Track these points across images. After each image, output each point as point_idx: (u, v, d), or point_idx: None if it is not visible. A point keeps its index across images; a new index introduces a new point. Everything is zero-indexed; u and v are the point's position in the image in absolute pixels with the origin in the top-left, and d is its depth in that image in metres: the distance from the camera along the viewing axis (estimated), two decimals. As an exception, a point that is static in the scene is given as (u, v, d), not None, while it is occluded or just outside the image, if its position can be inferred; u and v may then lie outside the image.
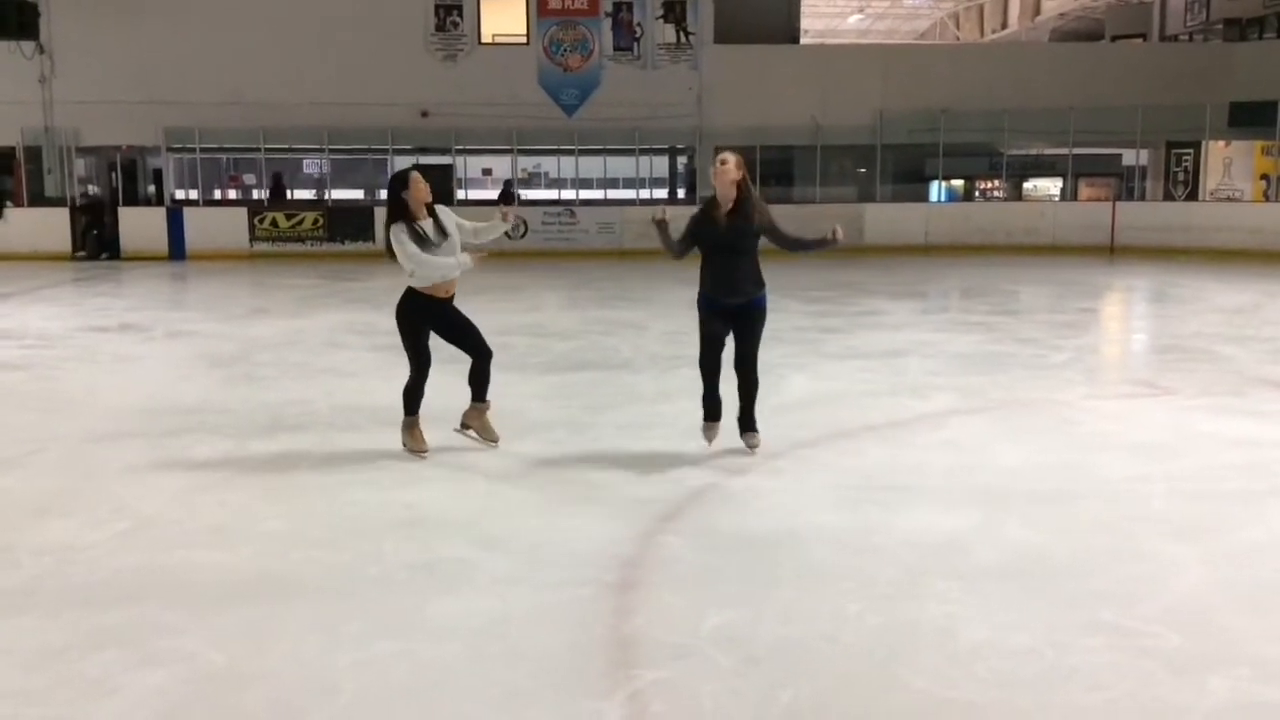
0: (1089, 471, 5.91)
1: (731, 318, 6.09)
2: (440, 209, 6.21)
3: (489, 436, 6.40)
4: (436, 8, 22.26)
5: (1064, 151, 23.41)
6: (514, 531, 4.94)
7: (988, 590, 4.23)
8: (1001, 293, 15.23)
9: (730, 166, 5.89)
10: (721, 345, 6.20)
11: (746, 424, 6.30)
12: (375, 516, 5.15)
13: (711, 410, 6.30)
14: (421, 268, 6.00)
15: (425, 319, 6.18)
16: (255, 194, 27.65)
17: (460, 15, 22.32)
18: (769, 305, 6.20)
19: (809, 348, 9.97)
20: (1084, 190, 25.54)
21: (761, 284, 6.07)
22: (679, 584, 4.34)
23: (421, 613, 4.04)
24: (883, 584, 4.31)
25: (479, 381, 6.32)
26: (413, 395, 6.27)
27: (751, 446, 6.24)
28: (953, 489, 5.56)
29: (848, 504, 5.32)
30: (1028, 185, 26.25)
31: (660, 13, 22.58)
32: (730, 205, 5.94)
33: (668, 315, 12.34)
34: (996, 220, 22.52)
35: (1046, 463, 6.09)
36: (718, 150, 6.49)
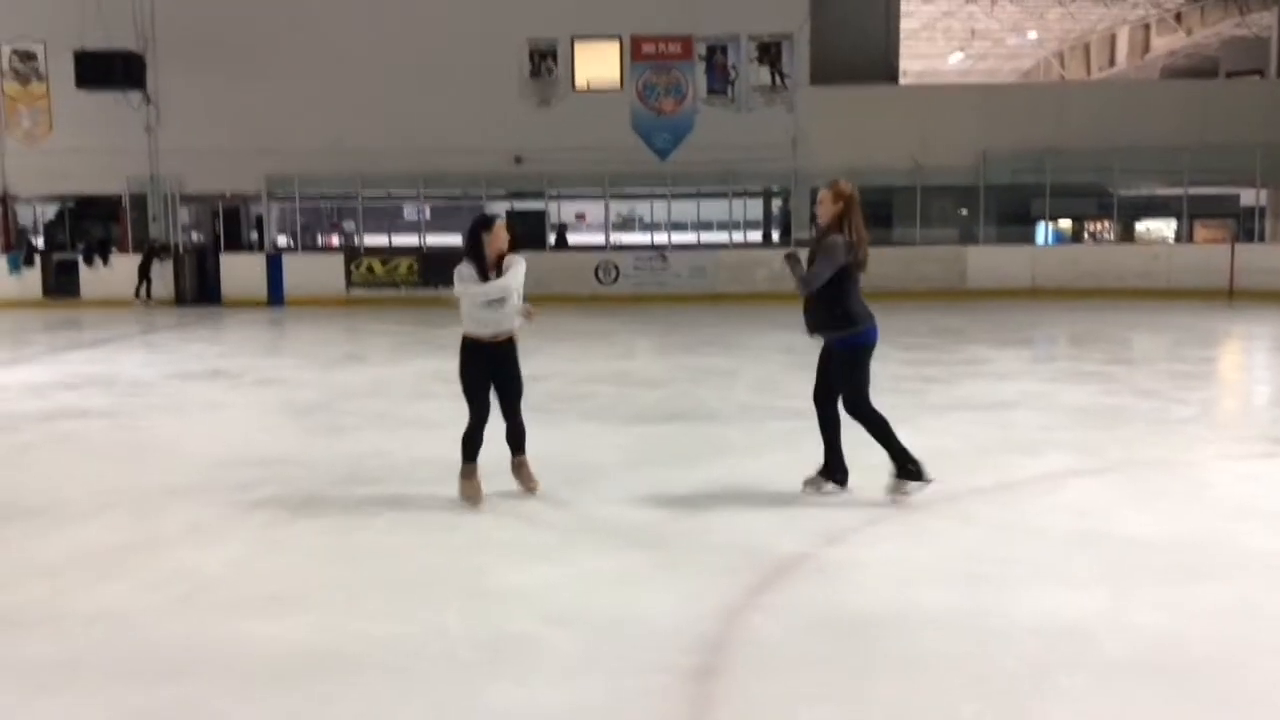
0: (1228, 543, 5.31)
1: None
2: (512, 259, 6.15)
3: (527, 485, 6.37)
4: (531, 54, 22.33)
5: (1178, 192, 22.42)
6: (587, 605, 4.55)
7: (1122, 687, 3.71)
8: (1115, 340, 14.46)
9: (825, 204, 5.93)
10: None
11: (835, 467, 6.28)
12: (443, 584, 4.81)
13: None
14: (468, 303, 6.03)
15: (477, 364, 6.13)
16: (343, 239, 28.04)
17: (554, 62, 22.35)
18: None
19: (909, 398, 9.41)
20: (1200, 232, 24.48)
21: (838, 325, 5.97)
22: (767, 671, 3.90)
23: (482, 699, 3.67)
24: (1001, 677, 3.81)
25: (511, 439, 6.38)
26: (469, 442, 6.18)
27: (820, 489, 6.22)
28: (1074, 563, 5.02)
29: (958, 580, 4.82)
30: (1140, 227, 25.27)
31: (755, 55, 22.32)
32: None
33: (759, 361, 11.91)
34: (1107, 263, 21.62)
35: (1179, 533, 5.49)
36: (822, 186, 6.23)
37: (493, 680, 3.82)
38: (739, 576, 4.85)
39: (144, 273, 21.41)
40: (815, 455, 6.41)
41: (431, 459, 7.26)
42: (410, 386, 10.55)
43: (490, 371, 6.14)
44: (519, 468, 6.42)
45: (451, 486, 6.33)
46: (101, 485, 6.68)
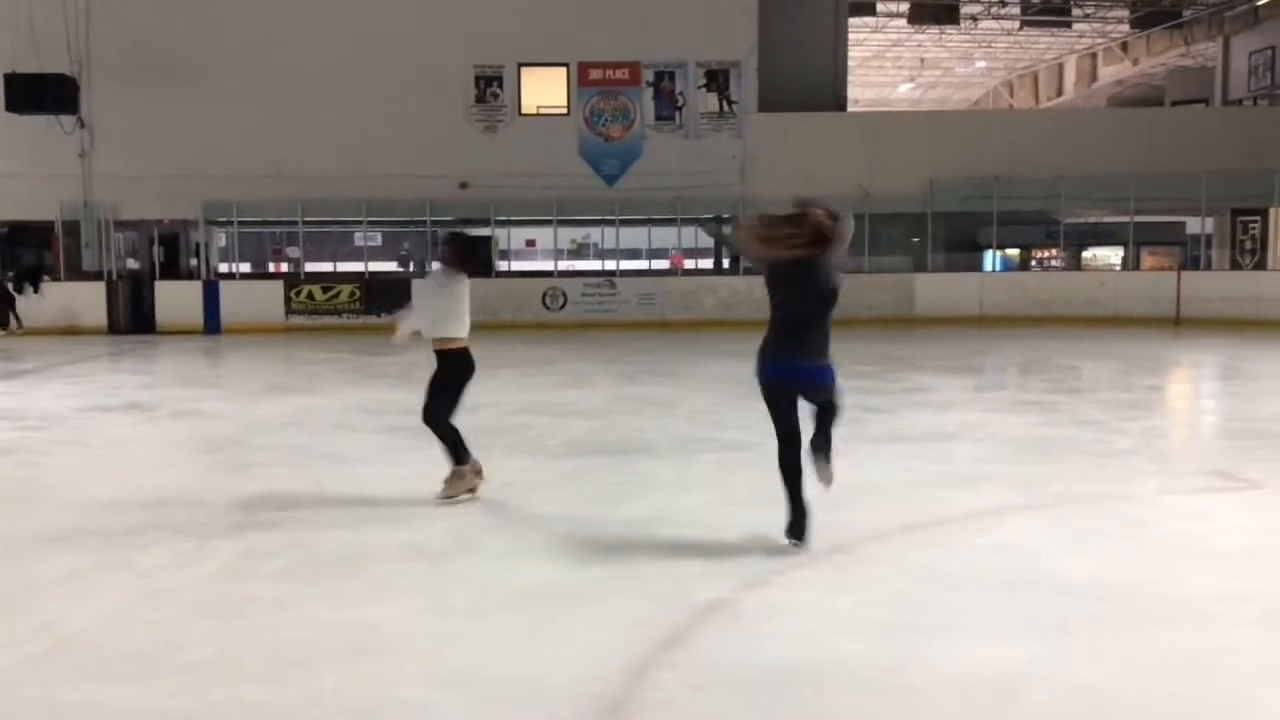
0: (1167, 587, 5.05)
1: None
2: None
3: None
4: (477, 79, 22.07)
5: (1125, 219, 22.49)
6: (482, 663, 4.19)
7: (1048, 754, 3.41)
8: (1060, 368, 14.31)
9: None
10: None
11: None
12: (326, 641, 4.43)
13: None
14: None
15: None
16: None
17: (500, 86, 22.10)
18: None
19: (848, 430, 9.03)
20: (1146, 259, 24.59)
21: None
22: (666, 738, 3.57)
23: (346, 777, 3.31)
24: (917, 742, 3.50)
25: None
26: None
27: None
28: (1004, 610, 4.73)
29: (879, 628, 4.51)
30: (1087, 254, 25.36)
31: (703, 82, 22.19)
32: None
33: (700, 391, 11.61)
34: (1055, 291, 21.62)
35: (1115, 577, 5.21)
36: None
37: (360, 754, 3.45)
38: (650, 629, 4.51)
39: (9, 301, 20.74)
40: (740, 493, 6.12)
41: (342, 498, 6.91)
42: (332, 418, 10.13)
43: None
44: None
45: (358, 530, 6.01)
46: (-19, 530, 6.23)
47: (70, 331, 20.53)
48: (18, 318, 20.69)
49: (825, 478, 5.69)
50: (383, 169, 21.22)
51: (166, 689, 3.97)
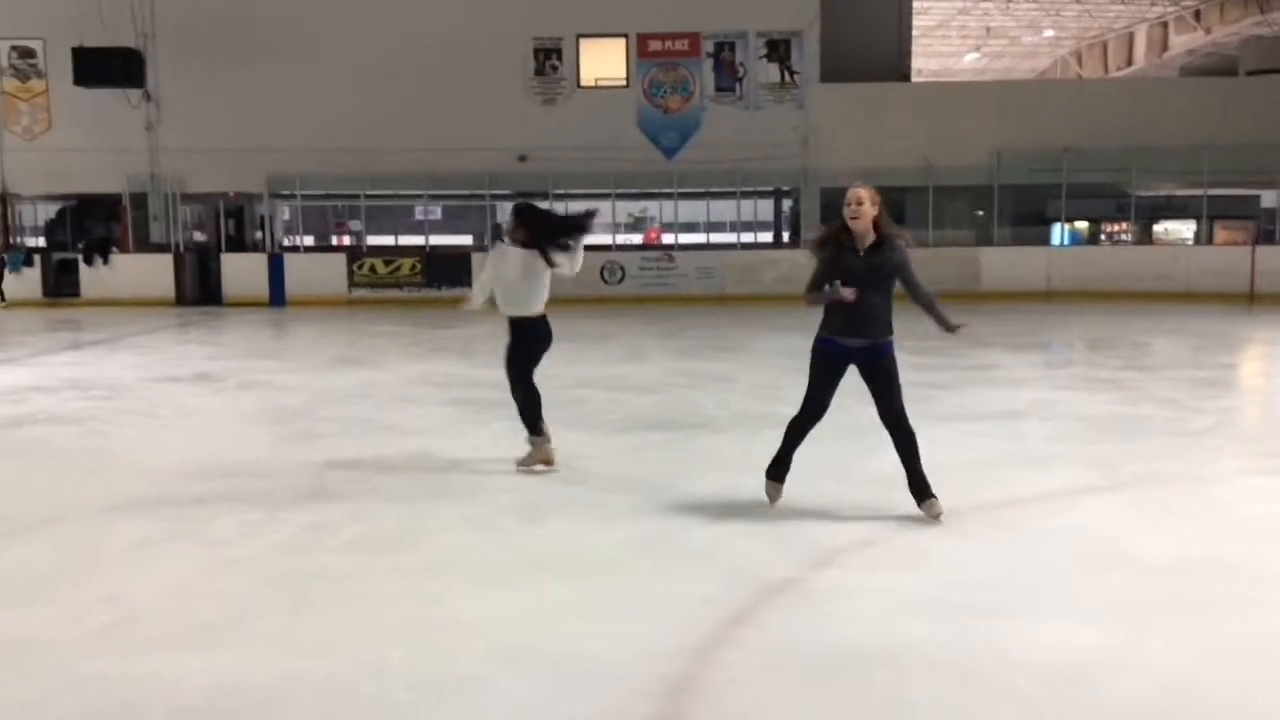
0: (1250, 571, 4.87)
1: (850, 365, 5.62)
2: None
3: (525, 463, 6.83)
4: (536, 52, 21.98)
5: (1198, 192, 21.88)
6: (545, 639, 4.14)
7: (1131, 744, 3.29)
8: (1132, 345, 13.97)
9: (866, 206, 5.43)
10: (824, 408, 5.72)
11: (920, 489, 5.63)
12: (391, 614, 4.41)
13: (780, 472, 5.91)
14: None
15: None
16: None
17: (560, 59, 22.00)
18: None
19: (914, 407, 8.87)
20: (1220, 234, 23.89)
21: (890, 329, 5.60)
22: (734, 718, 3.49)
23: (411, 753, 3.28)
24: (992, 729, 3.40)
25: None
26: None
27: (934, 515, 5.57)
28: (1081, 594, 4.59)
29: (953, 611, 4.40)
30: (1158, 228, 24.69)
31: (763, 52, 21.91)
32: (870, 242, 5.49)
33: (761, 365, 11.49)
34: (1125, 265, 21.12)
35: (1197, 558, 5.05)
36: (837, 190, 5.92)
37: (426, 730, 3.43)
38: (716, 608, 4.44)
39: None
40: (807, 469, 6.03)
41: (407, 470, 6.92)
42: (396, 391, 10.16)
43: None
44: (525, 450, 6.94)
45: (420, 503, 6.02)
46: (52, 499, 6.31)
47: (137, 303, 20.88)
48: (1, 292, 21.07)
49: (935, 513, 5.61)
50: (443, 142, 21.28)
51: (232, 660, 3.97)
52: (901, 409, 5.63)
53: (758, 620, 4.36)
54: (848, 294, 5.36)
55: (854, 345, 5.55)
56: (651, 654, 3.96)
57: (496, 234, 21.21)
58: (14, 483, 6.80)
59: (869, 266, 5.45)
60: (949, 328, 5.74)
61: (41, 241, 23.46)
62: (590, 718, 3.48)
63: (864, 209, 5.41)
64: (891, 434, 5.64)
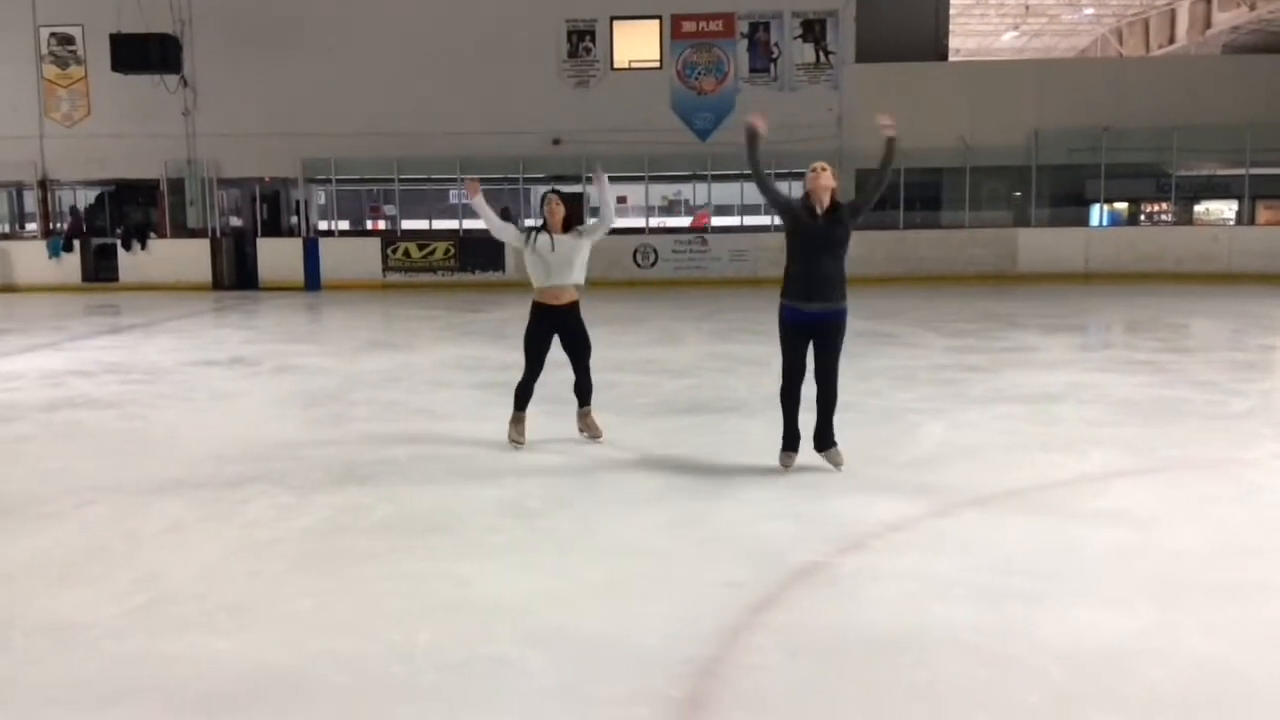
0: (1288, 557, 4.80)
1: (811, 332, 6.15)
2: (580, 229, 7.03)
3: (593, 434, 7.15)
4: (569, 34, 21.92)
5: (1240, 172, 21.50)
6: (571, 622, 4.15)
7: (1163, 731, 3.26)
8: (1171, 327, 13.79)
9: (828, 174, 6.18)
10: (802, 369, 6.26)
11: (826, 440, 6.27)
12: (420, 596, 4.44)
13: (792, 441, 6.37)
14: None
15: (540, 325, 6.91)
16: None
17: (593, 41, 21.92)
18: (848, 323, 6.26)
19: (947, 389, 8.90)
20: (1263, 213, 23.46)
21: (844, 296, 6.15)
22: (762, 704, 3.49)
23: (438, 734, 3.30)
24: (1023, 712, 3.37)
25: (580, 392, 7.14)
26: (520, 393, 7.01)
27: (837, 465, 6.22)
28: (1115, 579, 4.54)
29: (984, 596, 4.36)
30: (1199, 208, 24.28)
31: (799, 32, 21.73)
32: (825, 208, 6.13)
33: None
34: (1165, 246, 20.81)
35: (1233, 544, 4.98)
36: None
37: (451, 713, 3.44)
38: (743, 591, 4.43)
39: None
40: (845, 450, 6.02)
41: (436, 454, 6.95)
42: (429, 375, 10.21)
43: (558, 331, 6.92)
44: (583, 419, 7.20)
45: (451, 486, 6.07)
46: (88, 481, 6.39)
47: (175, 288, 21.11)
48: None
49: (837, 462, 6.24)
50: (476, 126, 21.31)
51: (264, 641, 4.02)
52: (835, 370, 6.21)
53: (786, 604, 4.35)
54: (757, 118, 6.50)
55: (812, 311, 6.09)
56: (679, 637, 3.97)
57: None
58: (52, 466, 6.88)
59: (827, 226, 6.06)
60: (890, 141, 6.43)
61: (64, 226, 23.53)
62: (617, 700, 3.49)
63: (825, 172, 6.15)
64: (820, 390, 6.19)
